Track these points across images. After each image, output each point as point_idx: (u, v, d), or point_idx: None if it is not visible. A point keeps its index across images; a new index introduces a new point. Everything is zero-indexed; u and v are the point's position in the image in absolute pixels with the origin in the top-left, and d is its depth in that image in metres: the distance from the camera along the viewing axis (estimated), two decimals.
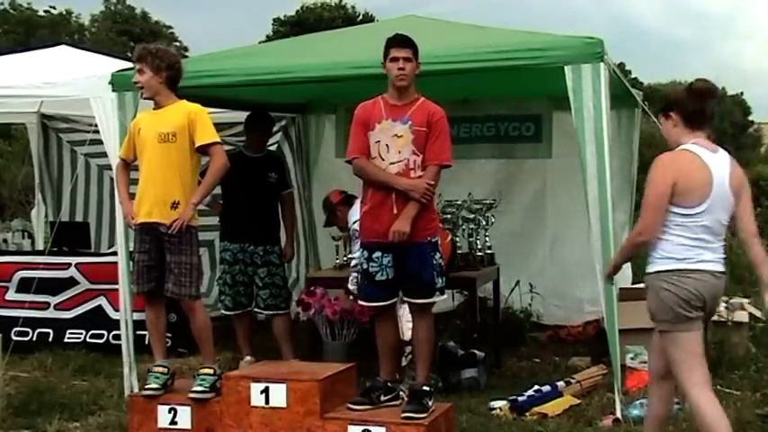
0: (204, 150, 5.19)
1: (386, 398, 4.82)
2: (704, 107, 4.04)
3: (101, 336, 7.42)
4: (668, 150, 4.08)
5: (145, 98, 5.36)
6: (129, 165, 5.43)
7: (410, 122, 4.76)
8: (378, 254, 4.81)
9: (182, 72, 5.31)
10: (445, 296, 4.97)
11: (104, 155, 6.43)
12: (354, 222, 5.78)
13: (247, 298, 6.62)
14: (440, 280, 4.83)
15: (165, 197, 5.13)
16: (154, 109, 5.31)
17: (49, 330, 7.51)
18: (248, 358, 6.56)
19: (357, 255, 5.61)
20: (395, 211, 4.73)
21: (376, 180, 4.82)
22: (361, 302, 5.16)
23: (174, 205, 5.12)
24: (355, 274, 5.88)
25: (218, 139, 5.22)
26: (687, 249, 3.95)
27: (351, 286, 6.18)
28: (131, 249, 5.88)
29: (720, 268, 4.02)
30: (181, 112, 5.19)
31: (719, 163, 3.98)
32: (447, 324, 6.96)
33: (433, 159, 4.76)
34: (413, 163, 4.76)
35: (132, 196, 5.33)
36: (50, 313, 7.54)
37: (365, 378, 5.17)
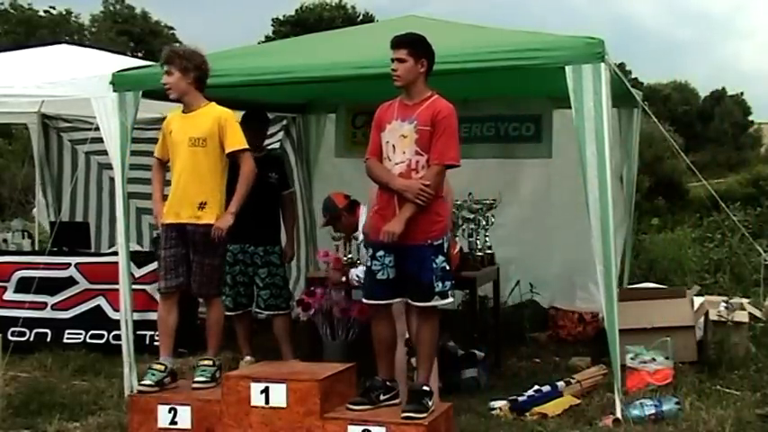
0: (233, 156, 5.33)
1: (385, 397, 4.81)
2: None
3: (101, 336, 7.41)
4: None
5: (172, 99, 5.42)
6: (164, 164, 5.53)
7: (416, 122, 4.70)
8: (381, 252, 4.79)
9: (208, 72, 5.42)
10: (450, 300, 4.84)
11: (105, 152, 6.42)
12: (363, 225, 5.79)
13: (248, 298, 6.62)
14: (440, 284, 4.73)
15: (193, 199, 5.27)
16: (183, 111, 5.39)
17: (47, 330, 7.50)
18: (248, 358, 6.56)
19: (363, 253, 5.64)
20: (397, 212, 4.70)
21: (379, 181, 4.81)
22: (363, 300, 5.15)
23: (202, 206, 5.25)
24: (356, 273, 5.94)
25: (247, 146, 5.39)
26: None
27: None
28: (132, 249, 5.89)
29: None
30: (211, 117, 5.31)
31: None
32: (445, 324, 6.94)
33: (434, 159, 4.68)
34: (415, 163, 4.70)
35: (166, 197, 5.42)
36: (48, 313, 7.53)
37: (365, 378, 5.16)
